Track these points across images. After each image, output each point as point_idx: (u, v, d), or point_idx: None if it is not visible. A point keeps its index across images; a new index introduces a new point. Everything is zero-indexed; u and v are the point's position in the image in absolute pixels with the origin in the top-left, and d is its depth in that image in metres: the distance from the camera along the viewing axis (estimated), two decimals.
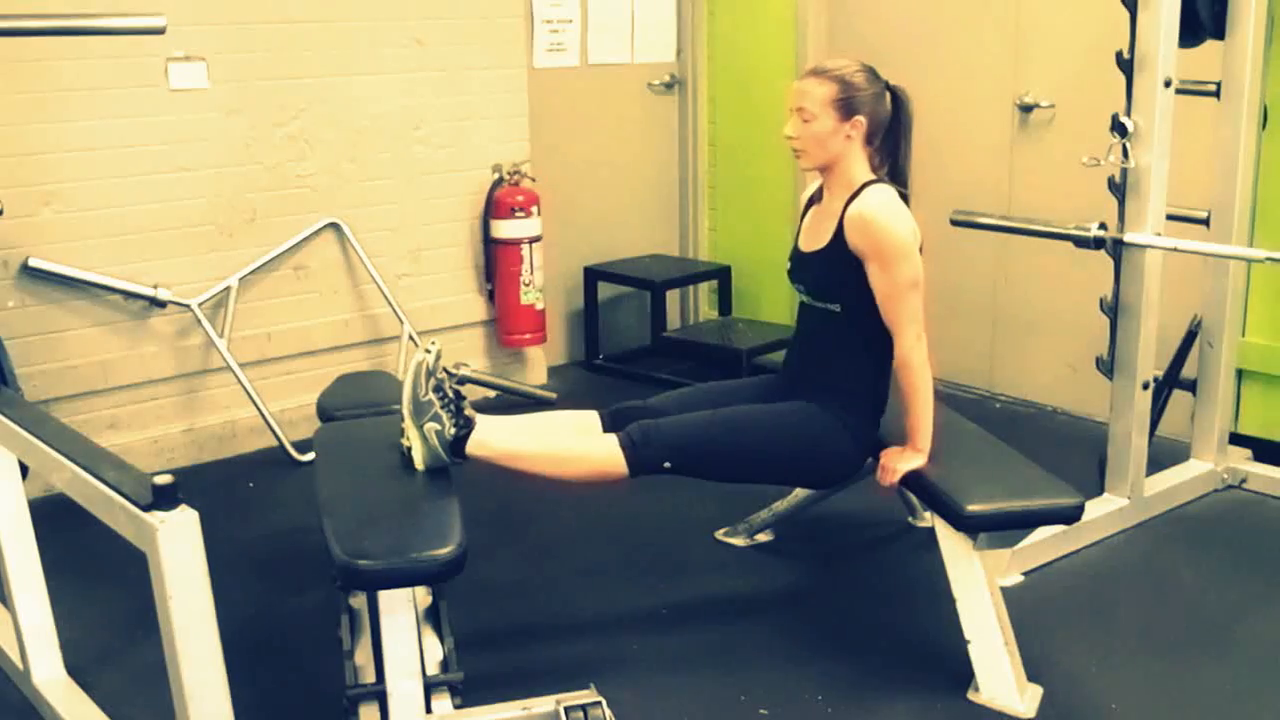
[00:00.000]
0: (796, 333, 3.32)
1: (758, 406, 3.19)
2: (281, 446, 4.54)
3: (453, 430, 2.94)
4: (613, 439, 3.05)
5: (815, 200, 3.28)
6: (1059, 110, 4.78)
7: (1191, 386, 4.12)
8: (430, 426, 2.94)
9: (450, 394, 2.98)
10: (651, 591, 3.50)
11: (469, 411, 3.00)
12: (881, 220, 3.00)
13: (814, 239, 3.19)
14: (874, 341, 3.13)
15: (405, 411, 2.95)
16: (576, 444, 3.09)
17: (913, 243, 3.02)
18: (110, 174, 4.25)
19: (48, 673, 2.94)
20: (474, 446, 2.98)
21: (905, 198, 3.13)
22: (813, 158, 3.13)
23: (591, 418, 3.25)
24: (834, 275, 3.13)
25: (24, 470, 2.85)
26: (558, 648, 3.22)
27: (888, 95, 3.13)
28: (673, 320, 6.02)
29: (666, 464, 3.06)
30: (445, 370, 3.02)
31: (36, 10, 3.53)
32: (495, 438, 3.01)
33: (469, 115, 5.05)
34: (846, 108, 3.06)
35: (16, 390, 3.84)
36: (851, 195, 3.07)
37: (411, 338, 4.87)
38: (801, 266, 3.25)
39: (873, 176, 3.11)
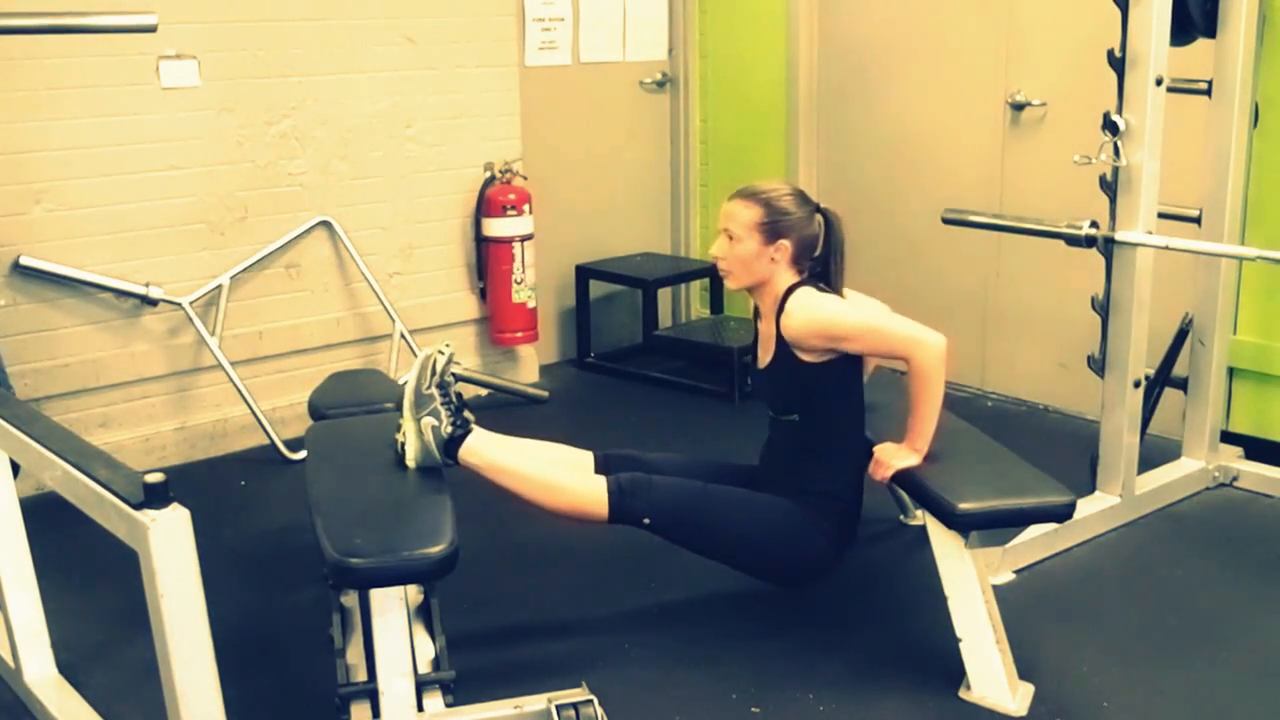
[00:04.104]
0: (766, 442, 3.34)
1: (748, 492, 3.20)
2: (273, 445, 4.53)
3: (449, 429, 2.96)
4: (601, 481, 3.07)
5: (757, 315, 3.30)
6: (1050, 108, 4.78)
7: (1183, 384, 4.12)
8: (427, 421, 2.95)
9: (453, 396, 3.00)
10: (643, 589, 3.50)
11: (469, 415, 3.02)
12: (815, 317, 3.04)
13: (763, 356, 3.22)
14: (837, 447, 3.17)
15: (406, 402, 2.97)
16: (565, 476, 3.10)
17: (845, 305, 3.08)
18: (101, 172, 4.24)
19: (39, 671, 2.93)
20: (466, 453, 2.99)
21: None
22: (738, 279, 3.16)
23: (586, 458, 3.28)
24: (785, 388, 3.16)
25: (15, 468, 2.85)
26: (549, 646, 3.22)
27: (817, 218, 3.14)
28: (664, 318, 6.02)
29: (646, 520, 3.08)
30: (452, 374, 3.03)
31: (27, 8, 3.52)
32: (488, 450, 3.03)
33: (460, 113, 5.05)
34: (772, 231, 3.08)
35: (8, 388, 3.83)
36: (779, 310, 3.09)
37: (404, 336, 4.87)
38: (758, 383, 3.31)
39: (794, 280, 3.12)
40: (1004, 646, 2.92)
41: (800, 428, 3.17)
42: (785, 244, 3.08)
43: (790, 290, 3.10)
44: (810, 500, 3.15)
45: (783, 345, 3.10)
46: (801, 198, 3.14)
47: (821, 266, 3.17)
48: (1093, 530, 3.78)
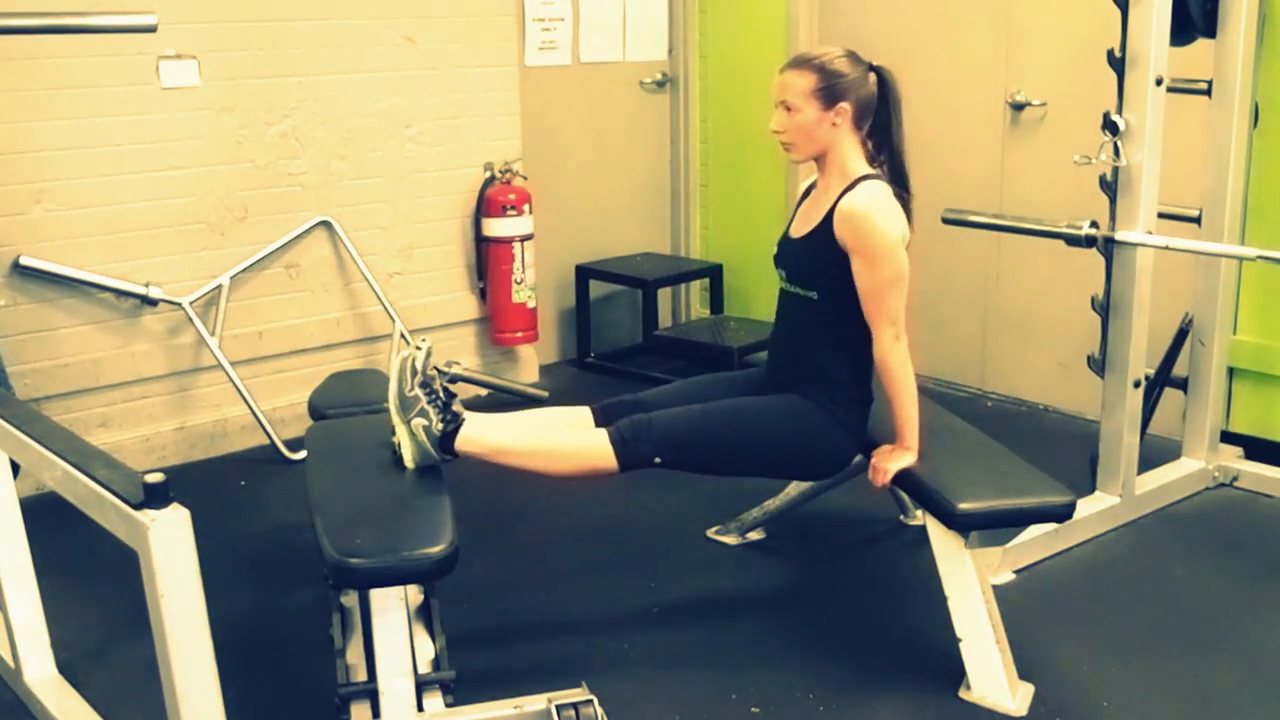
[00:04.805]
0: (776, 322, 3.30)
1: (748, 400, 3.17)
2: (273, 445, 4.53)
3: (440, 426, 2.94)
4: (603, 434, 3.04)
5: (812, 190, 3.27)
6: (1050, 108, 4.78)
7: (1183, 384, 4.12)
8: (417, 422, 2.93)
9: (439, 391, 2.98)
10: (643, 590, 3.50)
11: (457, 408, 3.00)
12: (870, 215, 2.98)
13: (803, 225, 3.18)
14: (850, 331, 3.11)
15: (391, 407, 2.95)
16: (567, 439, 3.08)
17: (899, 241, 3.00)
18: (101, 172, 4.24)
19: (39, 671, 2.93)
20: (463, 442, 2.97)
21: (904, 200, 3.10)
22: (801, 150, 3.10)
23: (583, 413, 3.24)
24: (815, 262, 3.11)
25: (15, 468, 2.85)
26: (549, 646, 3.22)
27: (871, 77, 3.09)
28: (664, 318, 6.02)
29: (657, 459, 3.05)
30: (436, 368, 3.01)
31: (28, 8, 3.52)
32: (485, 433, 3.01)
33: (460, 113, 5.05)
34: (829, 95, 3.03)
35: (8, 388, 3.84)
36: (846, 187, 3.05)
37: (403, 335, 4.87)
38: (786, 250, 3.24)
39: (870, 170, 3.09)
40: (1004, 646, 2.92)
41: (815, 307, 3.12)
42: (845, 106, 3.04)
43: (867, 177, 3.05)
44: (821, 389, 3.12)
45: (830, 219, 3.05)
46: (854, 58, 3.08)
47: (883, 129, 3.12)
48: (1093, 530, 3.78)
